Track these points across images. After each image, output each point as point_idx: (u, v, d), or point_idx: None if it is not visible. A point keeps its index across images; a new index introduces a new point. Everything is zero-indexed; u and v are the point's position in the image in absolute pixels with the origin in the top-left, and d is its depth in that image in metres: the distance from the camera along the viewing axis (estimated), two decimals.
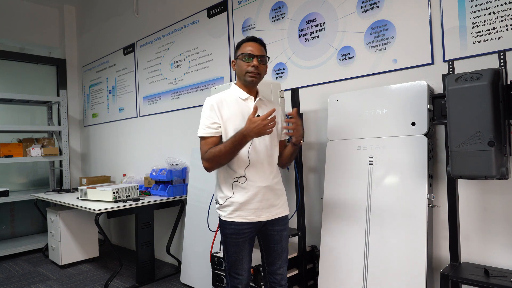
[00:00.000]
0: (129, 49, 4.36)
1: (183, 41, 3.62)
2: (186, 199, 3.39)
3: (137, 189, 3.34)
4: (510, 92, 1.63)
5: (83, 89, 5.32)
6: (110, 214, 3.01)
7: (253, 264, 2.13)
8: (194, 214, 3.16)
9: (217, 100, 1.75)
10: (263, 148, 1.74)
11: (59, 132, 4.77)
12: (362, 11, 2.34)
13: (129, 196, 3.24)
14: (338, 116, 2.31)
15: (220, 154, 1.64)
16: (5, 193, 4.22)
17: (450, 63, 1.85)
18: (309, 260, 2.44)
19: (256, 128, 1.57)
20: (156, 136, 4.00)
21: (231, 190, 1.73)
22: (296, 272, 2.37)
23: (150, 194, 3.55)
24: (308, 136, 2.62)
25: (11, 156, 4.27)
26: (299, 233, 2.37)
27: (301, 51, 2.67)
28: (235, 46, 1.83)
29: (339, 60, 2.46)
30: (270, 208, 1.76)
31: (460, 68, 1.90)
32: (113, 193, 3.12)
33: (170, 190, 3.38)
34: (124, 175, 4.28)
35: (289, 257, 2.26)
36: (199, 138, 1.75)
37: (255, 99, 1.79)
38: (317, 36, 2.57)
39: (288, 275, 2.18)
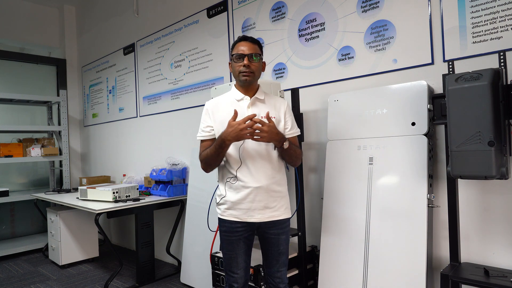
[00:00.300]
0: (129, 49, 4.36)
1: (183, 41, 3.62)
2: (186, 199, 3.40)
3: (137, 189, 3.34)
4: (510, 92, 1.63)
5: (83, 89, 5.32)
6: (110, 214, 3.01)
7: (253, 264, 2.13)
8: (194, 214, 3.16)
9: (213, 104, 1.83)
10: (256, 149, 1.72)
11: (59, 132, 4.77)
12: (362, 11, 2.34)
13: (129, 196, 3.24)
14: (338, 116, 2.31)
15: (207, 157, 1.73)
16: (5, 193, 4.22)
17: (450, 63, 1.85)
18: (309, 260, 2.44)
19: (233, 132, 1.60)
20: (156, 136, 4.00)
21: (224, 189, 1.78)
22: (296, 272, 2.37)
23: (150, 194, 3.55)
24: (308, 136, 2.62)
25: (11, 156, 4.27)
26: (299, 233, 2.37)
27: (301, 51, 2.67)
28: (231, 46, 1.84)
29: (339, 60, 2.46)
30: (264, 210, 1.73)
31: (460, 68, 1.90)
32: (113, 193, 3.12)
33: (170, 190, 3.38)
34: (124, 175, 4.28)
35: (289, 257, 2.26)
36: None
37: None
38: (317, 36, 2.57)
39: (288, 275, 2.18)
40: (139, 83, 4.22)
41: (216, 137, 1.72)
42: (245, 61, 1.71)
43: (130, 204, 3.07)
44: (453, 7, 1.97)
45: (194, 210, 3.16)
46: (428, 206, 1.91)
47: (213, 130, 1.78)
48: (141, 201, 3.19)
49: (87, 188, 3.35)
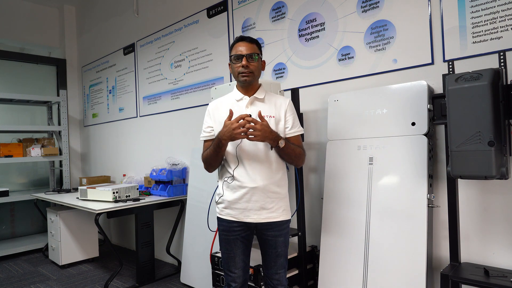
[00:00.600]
0: (129, 49, 4.36)
1: (183, 41, 3.62)
2: (186, 199, 3.40)
3: (137, 189, 3.34)
4: (510, 92, 1.63)
5: (83, 89, 5.32)
6: (110, 214, 3.01)
7: (253, 264, 2.13)
8: (194, 214, 3.16)
9: (214, 104, 1.85)
10: (253, 149, 1.71)
11: (59, 132, 4.77)
12: (362, 11, 2.34)
13: (129, 196, 3.24)
14: (338, 116, 2.31)
15: (207, 157, 1.75)
16: (5, 193, 4.22)
17: (450, 63, 1.85)
18: (309, 260, 2.44)
19: (227, 131, 1.61)
20: (156, 136, 4.00)
21: (222, 188, 1.79)
22: (296, 272, 2.37)
23: (150, 194, 3.55)
24: (308, 136, 2.62)
25: (11, 156, 4.27)
26: (299, 233, 2.37)
27: (301, 51, 2.67)
28: (230, 47, 1.84)
29: (339, 60, 2.46)
30: (260, 211, 1.71)
31: (460, 68, 1.90)
32: (113, 193, 3.12)
33: (170, 190, 3.38)
34: (124, 175, 4.28)
35: (289, 257, 2.26)
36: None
37: None
38: (317, 36, 2.57)
39: (288, 275, 2.18)
40: (139, 83, 4.22)
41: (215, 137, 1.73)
42: (244, 62, 1.71)
43: (130, 204, 3.07)
44: (453, 7, 1.97)
45: (194, 210, 3.16)
46: (428, 206, 1.91)
47: (213, 130, 1.80)
48: (141, 201, 3.19)
49: (87, 188, 3.35)
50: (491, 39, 1.85)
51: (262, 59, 1.83)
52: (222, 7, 3.23)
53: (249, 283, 2.08)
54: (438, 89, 2.00)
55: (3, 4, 4.82)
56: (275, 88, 2.23)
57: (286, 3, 2.75)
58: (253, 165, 1.71)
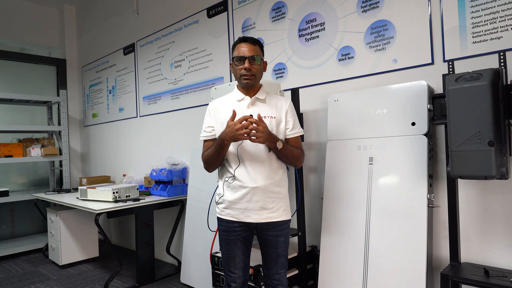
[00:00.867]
0: (129, 49, 4.36)
1: (183, 41, 3.62)
2: (186, 199, 3.40)
3: (137, 189, 3.34)
4: (510, 92, 1.63)
5: (83, 89, 5.32)
6: (110, 214, 3.01)
7: (253, 264, 2.13)
8: (194, 214, 3.16)
9: (214, 104, 1.84)
10: (254, 149, 1.72)
11: (59, 132, 4.77)
12: (362, 11, 2.34)
13: (129, 196, 3.24)
14: (338, 116, 2.31)
15: (209, 157, 1.75)
16: (5, 193, 4.22)
17: (450, 63, 1.85)
18: (309, 260, 2.44)
19: (230, 132, 1.61)
20: (156, 136, 4.00)
21: (223, 189, 1.79)
22: (296, 272, 2.37)
23: (150, 194, 3.55)
24: (308, 136, 2.62)
25: (11, 156, 4.27)
26: (299, 233, 2.37)
27: (301, 51, 2.67)
28: (231, 47, 1.83)
29: (339, 60, 2.46)
30: (261, 211, 1.72)
31: (460, 68, 1.90)
32: (113, 193, 3.12)
33: (170, 190, 3.38)
34: (124, 175, 4.28)
35: (289, 257, 2.26)
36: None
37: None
38: (317, 36, 2.57)
39: (288, 275, 2.18)
40: (139, 83, 4.22)
41: (217, 137, 1.73)
42: (246, 64, 1.70)
43: (130, 204, 3.07)
44: (453, 7, 1.97)
45: (194, 210, 3.16)
46: (428, 206, 1.91)
47: (214, 130, 1.79)
48: (141, 201, 3.19)
49: (87, 188, 3.35)
50: (491, 39, 1.85)
51: (264, 60, 1.82)
52: (222, 7, 3.23)
53: (249, 283, 2.08)
54: (438, 89, 2.00)
55: (3, 4, 4.82)
56: (275, 88, 2.23)
57: (286, 3, 2.75)
58: (254, 165, 1.71)
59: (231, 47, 1.84)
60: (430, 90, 1.99)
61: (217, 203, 1.83)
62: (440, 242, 2.02)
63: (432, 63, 2.05)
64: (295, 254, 2.38)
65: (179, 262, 3.52)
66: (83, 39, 5.27)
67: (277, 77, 2.83)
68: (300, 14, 2.66)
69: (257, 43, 1.76)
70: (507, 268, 1.77)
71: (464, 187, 1.93)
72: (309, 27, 2.61)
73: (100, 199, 3.22)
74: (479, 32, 1.89)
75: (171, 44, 3.76)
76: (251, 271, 2.15)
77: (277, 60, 2.82)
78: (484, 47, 1.87)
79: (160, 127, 3.94)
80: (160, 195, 3.44)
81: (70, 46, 5.34)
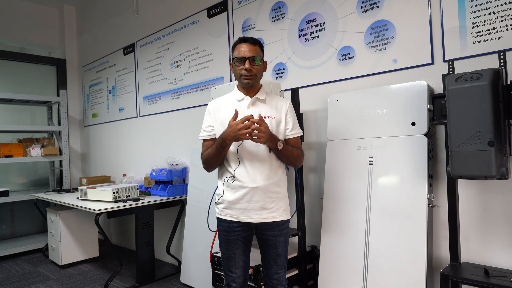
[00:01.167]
0: (129, 49, 4.36)
1: (183, 41, 3.62)
2: (186, 199, 3.40)
3: (137, 189, 3.34)
4: (510, 92, 1.63)
5: (83, 89, 5.32)
6: (110, 214, 3.01)
7: (253, 264, 2.13)
8: (194, 214, 3.16)
9: (214, 104, 1.84)
10: (254, 149, 1.72)
11: (59, 132, 4.77)
12: (362, 11, 2.34)
13: (129, 196, 3.24)
14: (338, 116, 2.31)
15: (209, 156, 1.74)
16: (5, 193, 4.22)
17: (450, 63, 1.85)
18: (309, 260, 2.44)
19: (232, 132, 1.61)
20: (156, 136, 4.00)
21: (222, 189, 1.78)
22: (296, 272, 2.37)
23: (150, 194, 3.55)
24: (308, 136, 2.62)
25: (11, 156, 4.27)
26: (299, 233, 2.37)
27: (301, 51, 2.67)
28: (231, 47, 1.83)
29: (339, 60, 2.46)
30: (261, 211, 1.72)
31: (460, 68, 1.90)
32: (113, 193, 3.12)
33: (170, 190, 3.38)
34: (124, 175, 4.28)
35: (289, 257, 2.26)
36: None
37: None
38: (317, 36, 2.57)
39: (288, 275, 2.18)
40: (139, 83, 4.22)
41: (217, 137, 1.73)
42: (247, 65, 1.71)
43: (130, 204, 3.07)
44: (453, 7, 1.97)
45: (194, 210, 3.16)
46: (428, 206, 1.91)
47: (213, 129, 1.80)
48: (141, 201, 3.19)
49: (87, 188, 3.35)
50: (491, 39, 1.85)
51: (264, 60, 1.82)
52: (222, 7, 3.23)
53: (249, 283, 2.08)
54: (438, 89, 2.00)
55: (3, 4, 4.82)
56: (275, 88, 2.23)
57: (286, 3, 2.75)
58: (254, 165, 1.71)
59: (231, 47, 1.83)
60: (430, 90, 1.99)
61: (217, 203, 1.82)
62: (440, 242, 2.02)
63: (432, 63, 2.05)
64: (295, 254, 2.38)
65: (179, 262, 3.52)
66: (83, 39, 5.27)
67: (277, 77, 2.83)
68: (300, 14, 2.66)
69: (257, 43, 1.77)
70: (507, 268, 1.77)
71: (464, 187, 1.93)
72: (309, 27, 2.61)
73: (100, 199, 3.22)
74: (479, 32, 1.89)
75: (171, 44, 3.76)
76: (251, 271, 2.15)
77: (277, 60, 2.82)
78: (484, 47, 1.87)
79: (160, 127, 3.94)
80: (160, 195, 3.44)
81: (70, 46, 5.34)
